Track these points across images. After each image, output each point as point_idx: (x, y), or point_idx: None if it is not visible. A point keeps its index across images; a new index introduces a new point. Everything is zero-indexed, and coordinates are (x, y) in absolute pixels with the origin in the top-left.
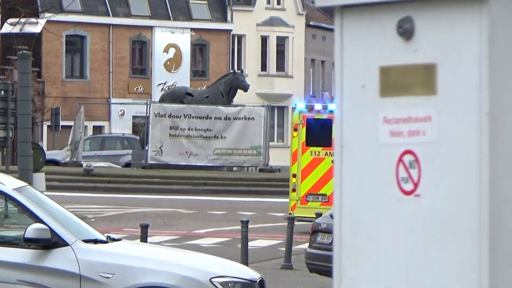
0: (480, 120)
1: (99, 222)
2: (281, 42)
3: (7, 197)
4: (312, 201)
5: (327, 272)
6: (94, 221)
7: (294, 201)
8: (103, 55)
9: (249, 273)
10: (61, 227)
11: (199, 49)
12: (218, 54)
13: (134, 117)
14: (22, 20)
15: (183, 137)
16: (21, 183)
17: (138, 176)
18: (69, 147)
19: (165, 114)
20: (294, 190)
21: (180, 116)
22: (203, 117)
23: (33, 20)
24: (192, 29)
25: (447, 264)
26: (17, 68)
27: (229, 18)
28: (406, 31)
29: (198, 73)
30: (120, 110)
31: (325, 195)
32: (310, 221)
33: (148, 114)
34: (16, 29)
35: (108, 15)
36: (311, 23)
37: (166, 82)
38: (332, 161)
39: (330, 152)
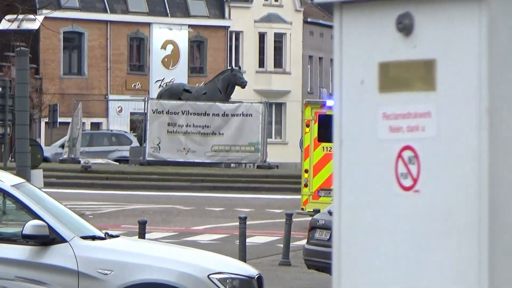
0: (479, 116)
1: (97, 219)
2: (279, 39)
3: (5, 194)
4: (324, 196)
5: (325, 268)
6: (92, 218)
7: (306, 196)
8: (101, 51)
9: (247, 270)
10: (59, 224)
11: (196, 45)
12: (216, 50)
13: (132, 113)
14: (20, 16)
15: (181, 133)
16: (19, 180)
17: (136, 173)
18: (67, 144)
19: (163, 111)
20: (306, 186)
21: (178, 113)
22: (201, 114)
23: (31, 16)
24: (189, 26)
25: (446, 260)
26: (15, 64)
27: (226, 14)
28: (405, 27)
29: (196, 69)
30: (118, 107)
31: None
32: None
33: (146, 111)
34: (14, 26)
35: (105, 11)
36: (309, 19)
37: (164, 78)
38: None
39: None
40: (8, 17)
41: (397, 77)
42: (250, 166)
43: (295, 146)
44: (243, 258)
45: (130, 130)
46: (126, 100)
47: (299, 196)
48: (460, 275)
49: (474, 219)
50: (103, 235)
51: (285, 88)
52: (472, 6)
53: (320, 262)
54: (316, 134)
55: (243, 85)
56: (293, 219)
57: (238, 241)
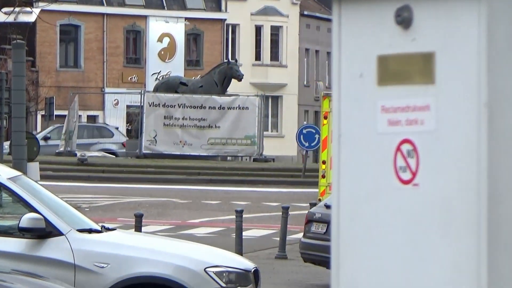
0: (478, 110)
1: (93, 212)
2: (275, 32)
3: (2, 187)
4: None
5: (322, 261)
6: (88, 211)
7: (324, 187)
8: (97, 44)
9: (244, 263)
10: (55, 217)
11: (193, 38)
12: (212, 43)
13: (128, 106)
14: (17, 9)
15: (177, 126)
16: (16, 173)
17: (132, 166)
18: (63, 137)
19: (159, 104)
20: (323, 177)
21: (174, 106)
22: (197, 107)
23: (27, 9)
24: (186, 19)
25: (445, 253)
26: (11, 57)
27: (223, 7)
28: (404, 20)
29: (192, 62)
30: (114, 100)
31: None
32: None
33: (142, 104)
34: (10, 18)
35: (102, 4)
36: (305, 12)
37: (160, 71)
38: None
39: None
40: (4, 9)
41: (396, 70)
42: (246, 159)
43: (291, 139)
44: (239, 251)
45: (127, 123)
46: (123, 93)
47: (295, 190)
48: (459, 269)
49: (473, 213)
50: (99, 228)
51: (281, 81)
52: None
53: (316, 256)
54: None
55: (239, 78)
56: (290, 212)
57: (234, 234)
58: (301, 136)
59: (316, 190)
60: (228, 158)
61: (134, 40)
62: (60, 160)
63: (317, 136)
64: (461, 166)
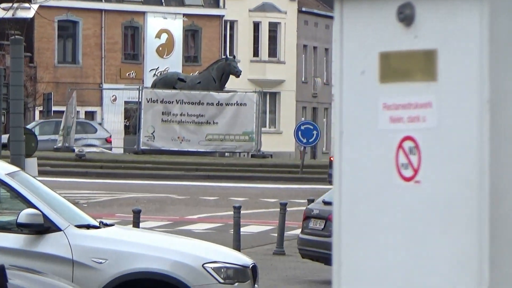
0: (481, 107)
1: (91, 208)
2: (273, 28)
3: (0, 182)
4: None
5: (320, 257)
6: (86, 207)
7: None
8: (95, 40)
9: (242, 259)
10: (53, 212)
11: (191, 34)
12: (210, 39)
13: (126, 102)
14: (15, 5)
15: (175, 122)
16: (14, 168)
17: (130, 162)
18: (61, 132)
19: (157, 100)
20: None
21: (172, 102)
22: (195, 103)
23: (26, 5)
24: (184, 15)
25: (447, 251)
26: (9, 53)
27: (221, 3)
28: (406, 17)
29: (190, 58)
30: (112, 96)
31: None
32: None
33: (140, 100)
34: (8, 14)
35: (100, 0)
36: (303, 9)
37: (158, 67)
38: None
39: None
40: (3, 5)
41: (398, 67)
42: (244, 155)
43: (289, 135)
44: (237, 247)
45: (125, 119)
46: (121, 89)
47: (293, 186)
48: (461, 266)
49: (475, 210)
50: (97, 224)
51: (279, 78)
52: None
53: (314, 252)
54: None
55: (237, 74)
56: (287, 209)
57: (232, 230)
58: (299, 133)
59: (314, 186)
60: (226, 154)
61: (132, 36)
62: (58, 155)
63: (315, 132)
64: (463, 163)
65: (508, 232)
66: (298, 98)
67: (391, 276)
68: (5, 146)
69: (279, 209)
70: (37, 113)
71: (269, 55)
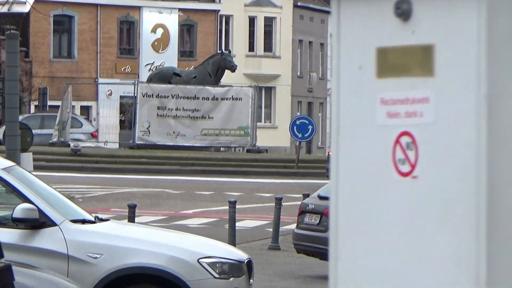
0: (478, 102)
1: (86, 202)
2: (269, 23)
3: None
4: None
5: (315, 252)
6: (81, 201)
7: None
8: (91, 35)
9: (237, 254)
10: (49, 207)
11: (186, 29)
12: (206, 34)
13: (121, 97)
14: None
15: (171, 117)
16: (9, 163)
17: (126, 156)
18: (57, 127)
19: (152, 94)
20: None
21: (167, 96)
22: (191, 98)
23: None
24: (180, 9)
25: (444, 246)
26: (4, 48)
27: None
28: (403, 12)
29: (185, 53)
30: (108, 90)
31: None
32: None
33: (135, 94)
34: (4, 9)
35: None
36: (299, 3)
37: (153, 62)
38: None
39: None
40: None
41: (395, 62)
42: (239, 150)
43: (284, 130)
44: (232, 242)
45: (120, 113)
46: (116, 83)
47: (288, 180)
48: (457, 261)
49: (472, 205)
50: (93, 219)
51: (275, 72)
52: None
53: (309, 247)
54: None
55: (233, 69)
56: (283, 203)
57: (227, 225)
58: (295, 127)
59: (310, 181)
60: (221, 149)
61: (128, 30)
62: (54, 150)
63: (310, 127)
64: (460, 158)
65: (505, 227)
66: (294, 92)
67: (387, 271)
68: None
69: (274, 204)
70: (32, 107)
71: (265, 50)
